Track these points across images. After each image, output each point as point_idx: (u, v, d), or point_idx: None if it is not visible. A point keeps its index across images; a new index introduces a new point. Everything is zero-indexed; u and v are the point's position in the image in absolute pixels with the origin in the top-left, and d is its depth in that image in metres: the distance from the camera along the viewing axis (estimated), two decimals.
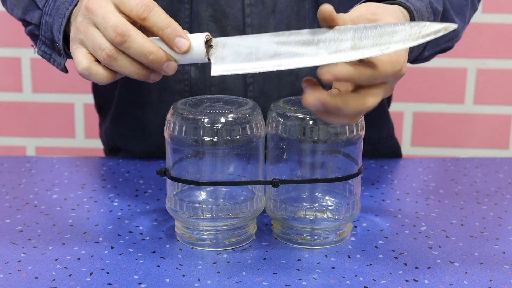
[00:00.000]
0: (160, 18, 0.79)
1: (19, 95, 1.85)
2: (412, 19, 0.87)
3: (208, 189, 0.87)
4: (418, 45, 0.92)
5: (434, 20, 0.95)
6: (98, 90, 1.26)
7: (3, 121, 1.87)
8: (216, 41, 0.79)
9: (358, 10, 0.80)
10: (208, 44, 0.79)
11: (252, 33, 1.04)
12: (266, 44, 0.76)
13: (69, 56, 0.91)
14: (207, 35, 0.79)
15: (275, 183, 0.84)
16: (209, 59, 0.78)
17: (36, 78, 1.83)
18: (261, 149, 0.86)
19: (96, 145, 1.86)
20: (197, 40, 0.79)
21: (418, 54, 0.98)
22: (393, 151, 1.22)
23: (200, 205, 0.84)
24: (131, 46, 0.78)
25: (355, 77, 0.73)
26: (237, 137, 0.82)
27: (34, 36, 0.99)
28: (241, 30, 1.05)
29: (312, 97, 0.74)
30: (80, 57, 0.82)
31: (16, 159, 1.13)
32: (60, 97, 1.85)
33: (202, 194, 0.87)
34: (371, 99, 0.76)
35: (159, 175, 0.86)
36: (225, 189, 0.88)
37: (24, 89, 1.84)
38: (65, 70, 0.95)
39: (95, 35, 0.80)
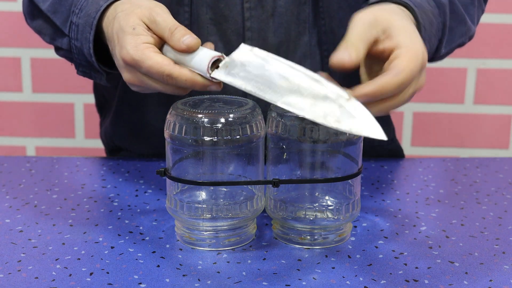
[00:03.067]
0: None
1: (19, 95, 1.85)
2: (415, 16, 0.87)
3: (208, 189, 0.87)
4: (431, 44, 0.92)
5: (440, 13, 0.94)
6: (98, 90, 1.25)
7: (3, 121, 1.87)
8: (224, 63, 0.81)
9: (356, 29, 0.81)
10: (216, 65, 0.81)
11: (251, 36, 1.04)
12: (274, 76, 0.79)
13: (105, 70, 0.96)
14: (221, 55, 0.81)
15: (275, 183, 0.84)
16: (211, 77, 0.81)
17: (36, 78, 1.83)
18: (261, 149, 0.85)
19: (96, 145, 1.86)
20: (205, 54, 0.81)
21: (434, 53, 0.98)
22: (394, 154, 1.21)
23: (200, 205, 0.84)
24: (177, 82, 0.83)
25: (384, 90, 0.77)
26: (237, 137, 0.82)
27: (69, 58, 1.02)
28: (241, 33, 1.05)
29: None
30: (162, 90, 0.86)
31: (16, 159, 1.13)
32: (60, 97, 1.85)
33: (202, 194, 0.87)
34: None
35: (159, 175, 0.86)
36: (225, 189, 0.88)
37: (24, 89, 1.84)
38: (108, 83, 0.97)
39: (148, 82, 0.85)
